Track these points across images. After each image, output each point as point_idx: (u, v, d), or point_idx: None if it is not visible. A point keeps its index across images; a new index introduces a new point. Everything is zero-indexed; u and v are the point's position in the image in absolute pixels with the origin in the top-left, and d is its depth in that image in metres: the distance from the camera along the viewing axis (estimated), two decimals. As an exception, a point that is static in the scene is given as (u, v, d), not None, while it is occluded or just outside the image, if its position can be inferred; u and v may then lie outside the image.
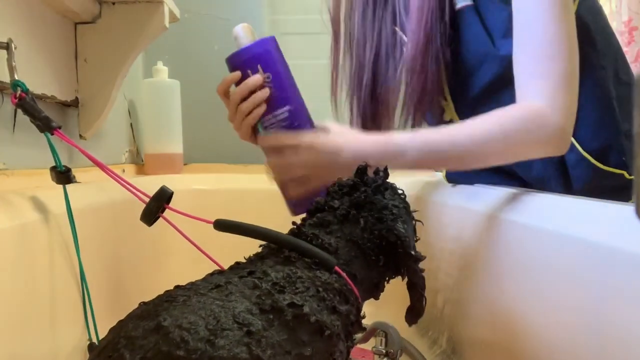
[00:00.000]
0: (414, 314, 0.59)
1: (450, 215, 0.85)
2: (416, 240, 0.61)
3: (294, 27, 1.44)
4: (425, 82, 0.75)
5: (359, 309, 0.56)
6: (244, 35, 0.64)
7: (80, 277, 0.68)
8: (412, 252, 0.57)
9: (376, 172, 0.60)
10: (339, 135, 0.67)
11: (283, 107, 0.66)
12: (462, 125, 0.65)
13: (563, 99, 0.63)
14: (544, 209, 0.59)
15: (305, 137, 0.67)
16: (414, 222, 0.61)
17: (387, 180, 0.60)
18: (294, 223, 0.58)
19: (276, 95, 0.65)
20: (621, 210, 0.47)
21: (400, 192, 0.61)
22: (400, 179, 1.16)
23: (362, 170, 0.59)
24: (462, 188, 0.87)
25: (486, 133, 0.63)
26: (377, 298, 0.62)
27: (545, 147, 0.64)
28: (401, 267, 0.58)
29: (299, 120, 0.67)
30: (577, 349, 0.49)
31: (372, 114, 0.87)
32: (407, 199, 0.61)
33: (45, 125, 0.59)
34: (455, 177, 0.89)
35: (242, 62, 0.63)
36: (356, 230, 0.57)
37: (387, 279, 0.60)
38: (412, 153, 0.64)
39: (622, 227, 0.45)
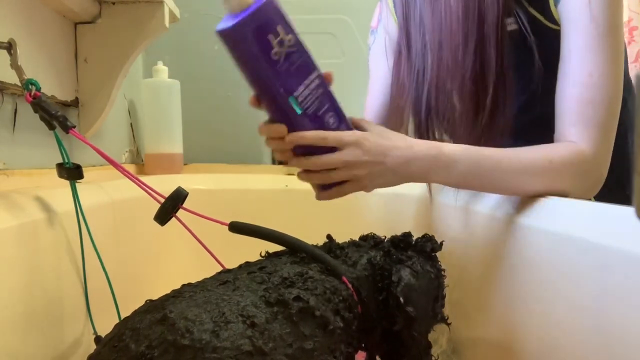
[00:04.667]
0: None
1: (450, 216, 0.85)
2: (434, 322, 0.64)
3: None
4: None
5: (360, 327, 0.57)
6: None
7: (92, 274, 0.68)
8: (402, 299, 0.57)
9: (431, 238, 0.66)
10: (387, 137, 0.62)
11: (313, 73, 0.55)
12: (510, 151, 0.62)
13: (606, 149, 0.63)
14: (543, 210, 0.59)
15: (351, 136, 0.60)
16: (438, 304, 0.63)
17: (436, 255, 0.65)
18: (328, 236, 0.65)
19: (302, 60, 0.53)
20: (621, 211, 0.47)
21: (441, 268, 0.65)
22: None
23: (429, 237, 0.66)
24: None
25: (533, 164, 0.61)
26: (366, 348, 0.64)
27: (583, 193, 0.64)
28: (395, 319, 0.59)
29: (327, 85, 0.57)
30: (577, 349, 0.49)
31: (426, 125, 0.79)
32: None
33: (61, 124, 0.59)
34: None
35: (259, 26, 0.49)
36: (378, 254, 0.62)
37: (381, 328, 0.60)
38: (460, 168, 0.61)
39: (622, 227, 0.45)
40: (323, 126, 0.58)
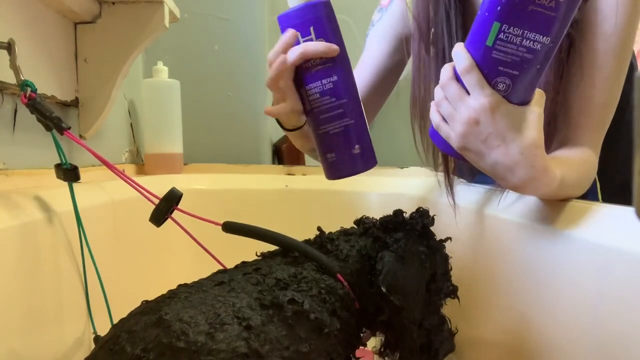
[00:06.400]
0: None
1: (450, 216, 0.85)
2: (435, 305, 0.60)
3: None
4: None
5: (359, 323, 0.56)
6: None
7: (92, 274, 0.68)
8: (384, 289, 0.54)
9: (424, 213, 0.61)
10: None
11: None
12: (580, 161, 0.62)
13: (599, 150, 0.65)
14: (544, 210, 0.59)
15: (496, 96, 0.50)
16: (439, 287, 0.60)
17: (429, 229, 0.61)
18: (318, 228, 0.62)
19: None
20: (621, 211, 0.47)
21: (435, 244, 0.60)
22: (401, 180, 1.16)
23: (422, 212, 0.62)
24: (462, 189, 0.87)
25: (588, 175, 0.62)
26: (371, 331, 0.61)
27: (580, 193, 0.63)
28: (383, 309, 0.56)
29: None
30: (576, 349, 0.49)
31: None
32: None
33: (56, 126, 0.59)
34: (462, 173, 0.91)
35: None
36: (368, 242, 0.59)
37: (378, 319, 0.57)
38: (567, 191, 0.57)
39: (622, 227, 0.45)
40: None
